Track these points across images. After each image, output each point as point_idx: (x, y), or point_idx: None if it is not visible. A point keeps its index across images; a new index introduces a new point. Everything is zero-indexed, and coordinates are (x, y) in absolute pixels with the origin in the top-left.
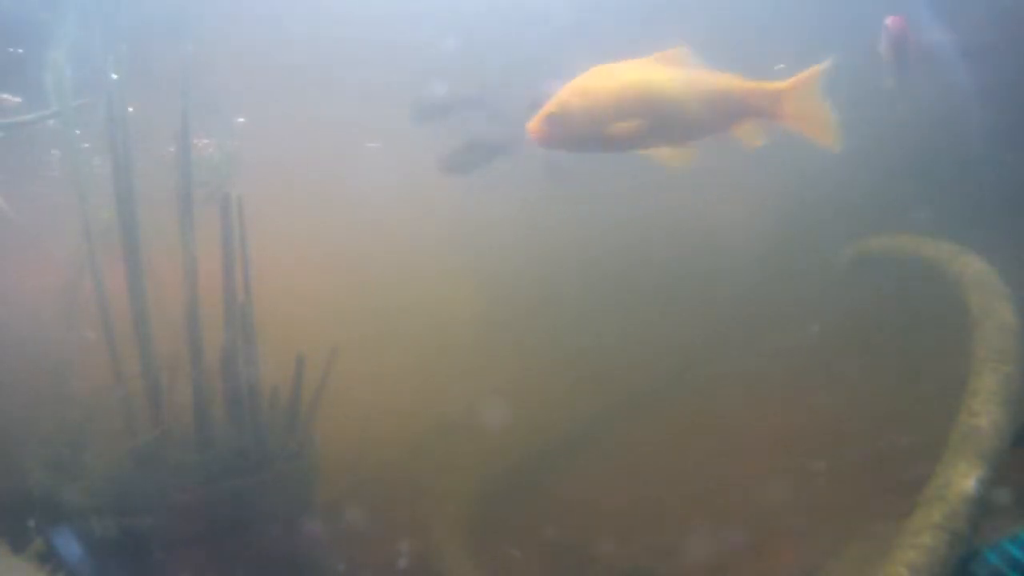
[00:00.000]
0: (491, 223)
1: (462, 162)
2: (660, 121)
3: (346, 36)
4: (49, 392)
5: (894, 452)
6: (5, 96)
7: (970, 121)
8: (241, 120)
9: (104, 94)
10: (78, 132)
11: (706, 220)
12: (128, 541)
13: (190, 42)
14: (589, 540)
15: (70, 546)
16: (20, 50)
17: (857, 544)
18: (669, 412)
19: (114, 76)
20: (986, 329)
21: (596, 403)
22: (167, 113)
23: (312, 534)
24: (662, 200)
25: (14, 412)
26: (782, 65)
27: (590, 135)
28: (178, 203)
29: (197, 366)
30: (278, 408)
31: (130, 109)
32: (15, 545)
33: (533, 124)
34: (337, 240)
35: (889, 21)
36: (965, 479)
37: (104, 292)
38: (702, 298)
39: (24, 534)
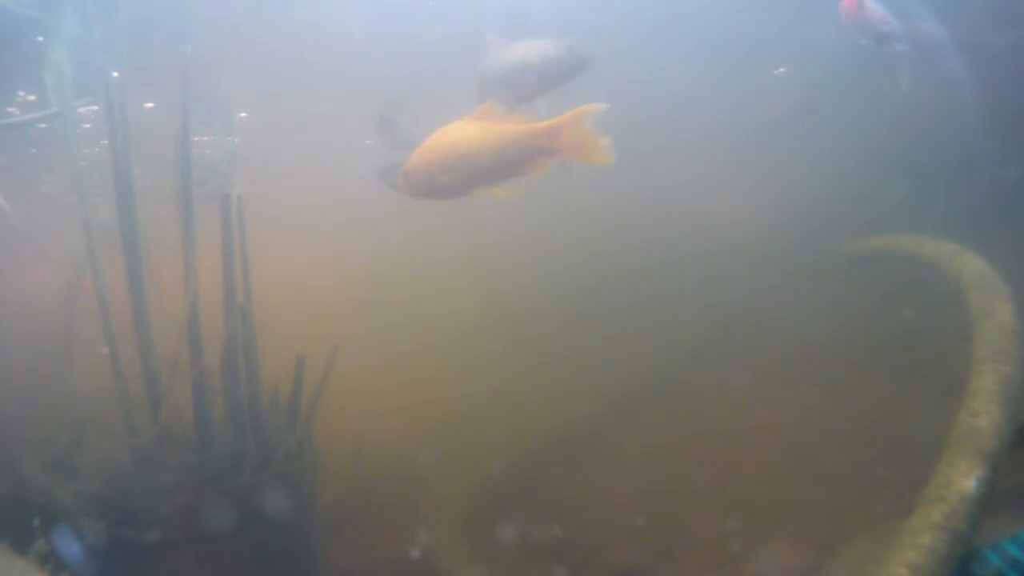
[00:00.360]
0: (492, 221)
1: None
2: (470, 172)
3: (346, 34)
4: (49, 392)
5: (894, 452)
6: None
7: (968, 118)
8: (243, 115)
9: (104, 93)
10: (86, 127)
11: (706, 220)
12: (128, 541)
13: (190, 40)
14: (588, 540)
15: (71, 546)
16: (40, 38)
17: (857, 544)
18: (668, 412)
19: (114, 75)
20: (986, 329)
21: (595, 403)
22: (169, 111)
23: (313, 533)
24: (661, 201)
25: (14, 412)
26: (782, 69)
27: (431, 187)
28: (178, 202)
29: (197, 366)
30: (278, 407)
31: (150, 105)
32: (18, 546)
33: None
34: (335, 238)
35: (841, 10)
36: (965, 479)
37: (104, 292)
38: (702, 298)
39: (27, 534)
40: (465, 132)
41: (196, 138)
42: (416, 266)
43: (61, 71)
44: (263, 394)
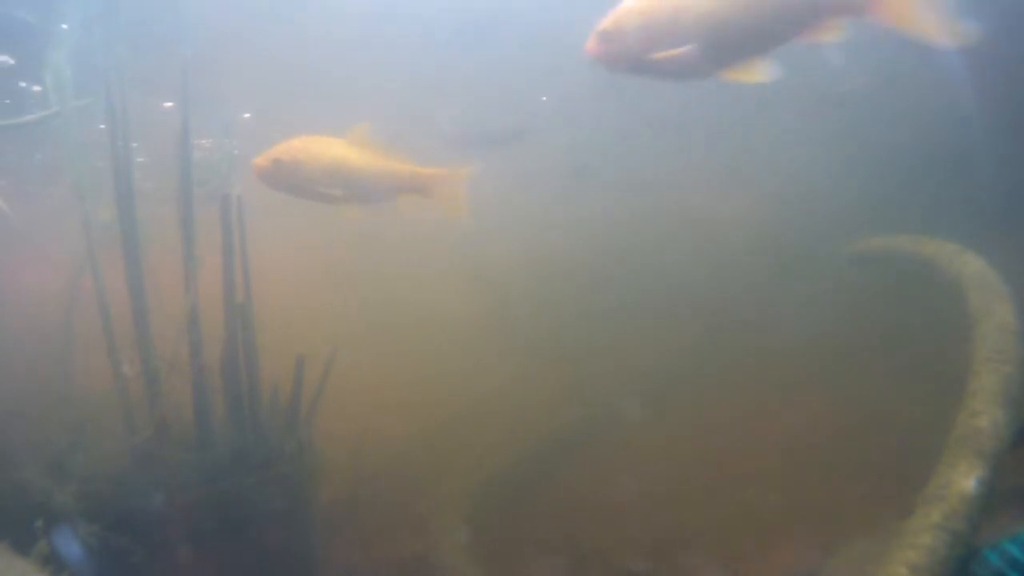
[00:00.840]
0: (492, 222)
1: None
2: (353, 186)
3: (345, 35)
4: (49, 392)
5: (894, 452)
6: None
7: (968, 116)
8: (247, 115)
9: (104, 93)
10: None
11: (705, 220)
12: (128, 541)
13: (191, 41)
14: (588, 540)
15: (71, 547)
16: (65, 26)
17: (857, 544)
18: (667, 412)
19: (114, 76)
20: (986, 329)
21: (594, 403)
22: (172, 110)
23: (313, 533)
24: (662, 201)
25: (14, 412)
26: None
27: (305, 188)
28: (179, 203)
29: (197, 365)
30: (278, 407)
31: (168, 105)
32: (18, 546)
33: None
34: (335, 238)
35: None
36: (965, 479)
37: (104, 292)
38: (700, 299)
39: (28, 535)
40: (350, 151)
41: (197, 141)
42: (415, 267)
43: (61, 71)
44: (263, 394)
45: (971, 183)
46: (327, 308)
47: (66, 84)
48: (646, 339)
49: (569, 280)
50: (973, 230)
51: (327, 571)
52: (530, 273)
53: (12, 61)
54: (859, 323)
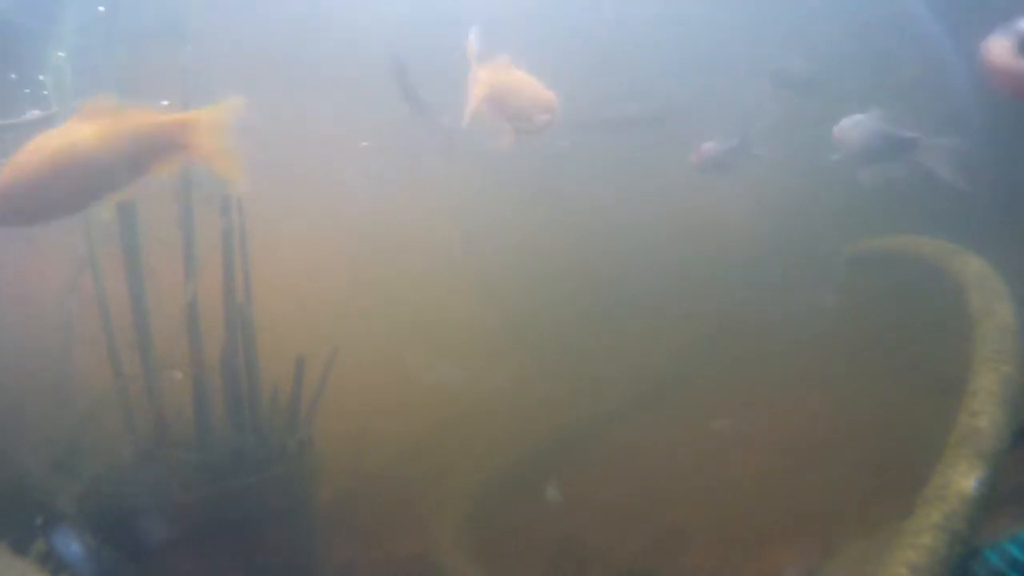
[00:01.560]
0: (489, 221)
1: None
2: (88, 179)
3: (344, 37)
4: (49, 391)
5: (894, 452)
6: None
7: (969, 119)
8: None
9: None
10: None
11: (705, 220)
12: (128, 541)
13: (189, 42)
14: (588, 540)
15: (70, 546)
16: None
17: (857, 544)
18: (667, 413)
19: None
20: (986, 329)
21: (594, 404)
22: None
23: (313, 533)
24: (662, 201)
25: (14, 412)
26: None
27: (34, 207)
28: (178, 203)
29: (197, 365)
30: (278, 408)
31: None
32: (17, 545)
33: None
34: (334, 239)
35: None
36: (965, 479)
37: (104, 292)
38: (700, 300)
39: (27, 534)
40: (78, 132)
41: None
42: (416, 267)
43: (61, 72)
44: (263, 394)
45: (971, 183)
46: (327, 308)
47: (66, 84)
48: (646, 339)
49: (570, 280)
50: (973, 230)
51: (327, 571)
52: (531, 273)
53: None
54: (859, 323)
